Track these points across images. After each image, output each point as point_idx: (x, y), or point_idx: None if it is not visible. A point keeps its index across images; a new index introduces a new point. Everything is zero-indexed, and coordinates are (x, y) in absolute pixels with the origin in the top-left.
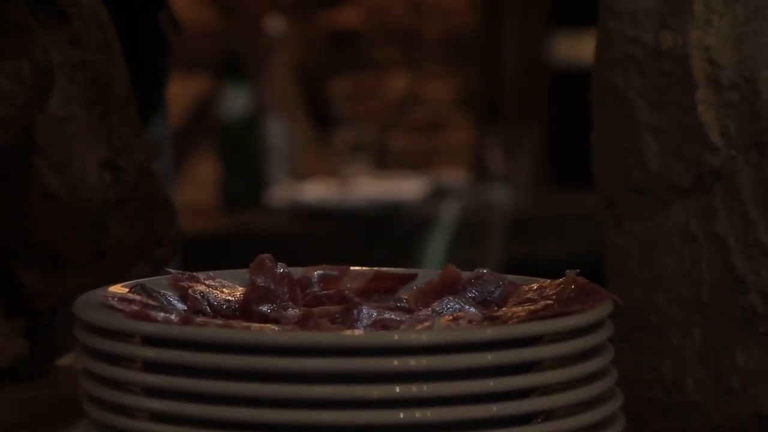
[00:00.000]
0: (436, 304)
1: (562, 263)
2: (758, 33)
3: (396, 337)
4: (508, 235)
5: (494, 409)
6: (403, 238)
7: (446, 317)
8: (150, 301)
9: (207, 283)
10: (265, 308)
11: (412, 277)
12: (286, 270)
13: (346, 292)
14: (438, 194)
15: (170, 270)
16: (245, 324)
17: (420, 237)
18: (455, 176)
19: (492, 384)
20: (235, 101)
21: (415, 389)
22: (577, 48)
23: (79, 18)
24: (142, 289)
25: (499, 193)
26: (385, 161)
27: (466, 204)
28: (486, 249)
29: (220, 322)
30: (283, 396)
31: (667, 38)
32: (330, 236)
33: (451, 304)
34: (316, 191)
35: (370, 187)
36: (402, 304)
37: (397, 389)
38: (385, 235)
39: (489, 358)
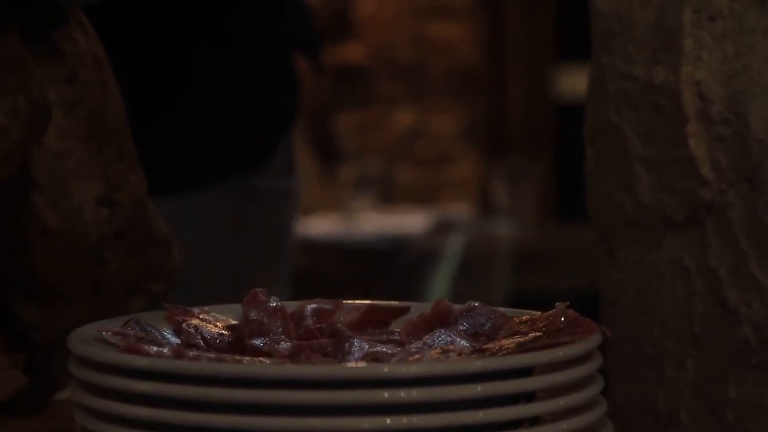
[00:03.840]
0: (427, 336)
1: (566, 296)
2: (748, 68)
3: (386, 369)
4: (513, 268)
5: None
6: (408, 271)
7: (436, 350)
8: (144, 335)
9: (201, 317)
10: (257, 342)
11: (404, 310)
12: (279, 304)
13: (339, 325)
14: (443, 228)
15: (165, 304)
16: (237, 357)
17: (425, 271)
18: (460, 210)
19: (482, 415)
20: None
21: (405, 421)
22: (582, 81)
23: (74, 54)
24: (136, 324)
25: (504, 227)
26: (390, 195)
27: (471, 237)
28: (491, 282)
29: (212, 355)
30: (274, 429)
31: (659, 73)
32: (335, 270)
33: (443, 336)
34: (322, 225)
35: (376, 221)
36: (394, 337)
37: (388, 421)
38: (391, 268)
39: (479, 389)
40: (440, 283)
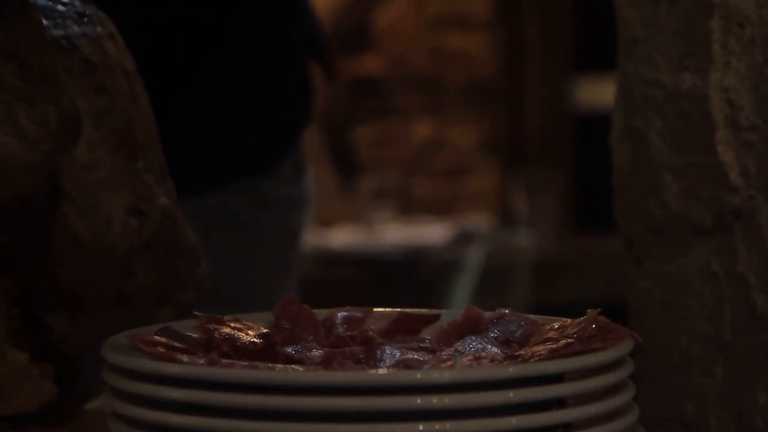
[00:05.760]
0: (458, 343)
1: (587, 307)
2: None
3: (418, 375)
4: (533, 279)
5: None
6: (427, 283)
7: (468, 356)
8: (176, 344)
9: (232, 325)
10: (289, 349)
11: (435, 318)
12: (310, 312)
13: (370, 332)
14: (462, 239)
15: (197, 313)
16: (270, 365)
17: (445, 282)
18: (479, 221)
19: (514, 421)
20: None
21: (438, 427)
22: (600, 92)
23: (103, 66)
24: (168, 332)
25: (523, 238)
26: (409, 207)
27: (491, 248)
28: (511, 293)
29: (245, 363)
30: None
31: (687, 80)
32: (355, 282)
33: (474, 343)
34: (341, 237)
35: (395, 233)
36: (425, 345)
37: (421, 427)
38: (410, 280)
39: (511, 395)
40: (460, 294)
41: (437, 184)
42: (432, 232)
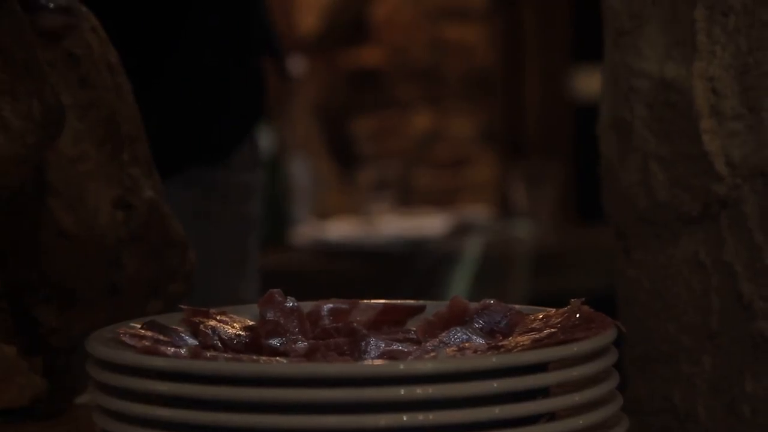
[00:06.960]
0: (443, 334)
1: (586, 297)
2: (761, 63)
3: (402, 366)
4: (532, 270)
5: None
6: (426, 274)
7: (452, 347)
8: (161, 337)
9: (218, 318)
10: (274, 342)
11: (420, 309)
12: (295, 304)
13: (355, 324)
14: (461, 230)
15: (183, 306)
16: (254, 357)
17: (444, 273)
18: (478, 212)
19: (498, 411)
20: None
21: (422, 418)
22: (599, 82)
23: (87, 59)
24: (154, 325)
25: (522, 229)
26: (408, 198)
27: (490, 240)
28: (509, 284)
29: (229, 355)
30: (292, 427)
31: (672, 69)
32: (354, 274)
33: (459, 334)
34: (340, 229)
35: (394, 225)
36: (410, 336)
37: (405, 418)
38: (409, 271)
39: (494, 385)
40: (459, 285)
41: (436, 175)
42: (431, 224)
